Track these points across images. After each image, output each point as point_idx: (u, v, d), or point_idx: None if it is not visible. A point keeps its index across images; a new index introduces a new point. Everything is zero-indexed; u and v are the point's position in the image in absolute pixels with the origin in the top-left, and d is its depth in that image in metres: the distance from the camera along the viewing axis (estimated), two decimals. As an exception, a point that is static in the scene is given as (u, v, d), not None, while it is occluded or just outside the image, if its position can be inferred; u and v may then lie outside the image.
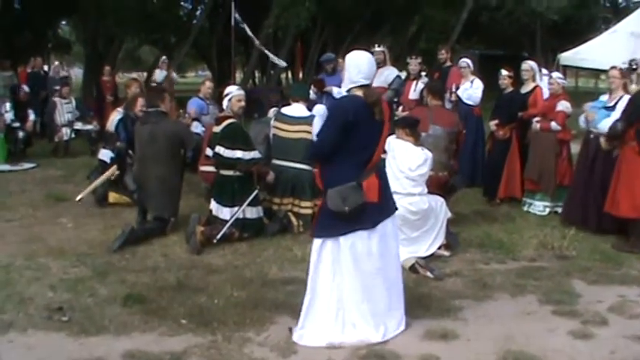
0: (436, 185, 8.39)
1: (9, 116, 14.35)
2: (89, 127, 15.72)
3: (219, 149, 8.54)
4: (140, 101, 10.50)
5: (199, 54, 34.92)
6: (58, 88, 16.48)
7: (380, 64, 12.17)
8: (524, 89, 10.85)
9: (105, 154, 10.66)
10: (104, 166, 10.64)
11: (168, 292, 6.70)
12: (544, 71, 11.31)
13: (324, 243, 5.61)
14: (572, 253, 8.16)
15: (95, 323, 5.92)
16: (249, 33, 18.94)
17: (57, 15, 29.02)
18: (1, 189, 11.79)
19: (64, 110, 15.74)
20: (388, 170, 7.70)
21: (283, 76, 36.77)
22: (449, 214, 8.14)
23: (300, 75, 27.18)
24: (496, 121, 10.83)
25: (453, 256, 8.04)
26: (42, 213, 10.02)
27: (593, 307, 6.39)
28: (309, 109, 9.45)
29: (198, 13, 30.92)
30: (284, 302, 6.32)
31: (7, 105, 14.56)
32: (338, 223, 5.49)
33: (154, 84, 18.59)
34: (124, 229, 8.36)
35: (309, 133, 8.93)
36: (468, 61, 12.36)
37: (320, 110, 9.08)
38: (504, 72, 10.98)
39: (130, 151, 10.18)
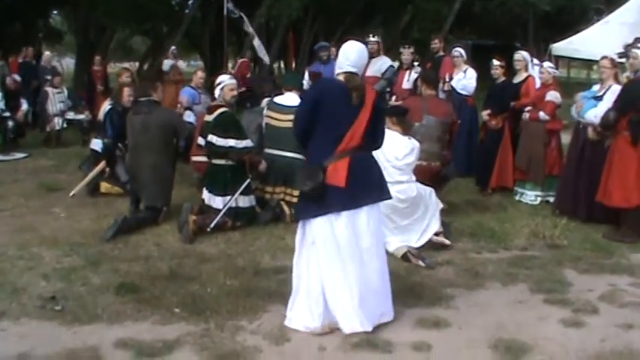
0: (429, 175, 8.42)
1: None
2: (81, 116, 15.67)
3: (212, 138, 8.55)
4: (127, 91, 10.49)
5: (191, 44, 34.79)
6: (49, 77, 16.43)
7: (374, 55, 12.21)
8: (517, 79, 10.88)
9: (97, 144, 10.64)
10: (96, 155, 10.63)
11: (161, 281, 6.71)
12: (535, 61, 11.32)
13: (301, 225, 5.70)
14: (563, 243, 8.19)
15: (88, 312, 5.94)
16: (246, 20, 18.93)
17: (48, 5, 28.89)
18: (-7, 179, 11.77)
19: (55, 100, 15.68)
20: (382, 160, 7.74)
21: (276, 65, 36.71)
22: (440, 205, 8.15)
23: (293, 65, 27.14)
24: (488, 111, 10.85)
25: (445, 245, 8.05)
26: (34, 203, 10.00)
27: (584, 296, 6.43)
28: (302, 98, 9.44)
29: (190, 2, 30.83)
30: (276, 291, 6.33)
31: (-2, 95, 14.53)
32: (309, 206, 5.56)
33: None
34: (116, 218, 8.36)
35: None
36: (461, 50, 12.34)
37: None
38: (496, 62, 11.01)
39: (120, 144, 10.17)
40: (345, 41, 5.86)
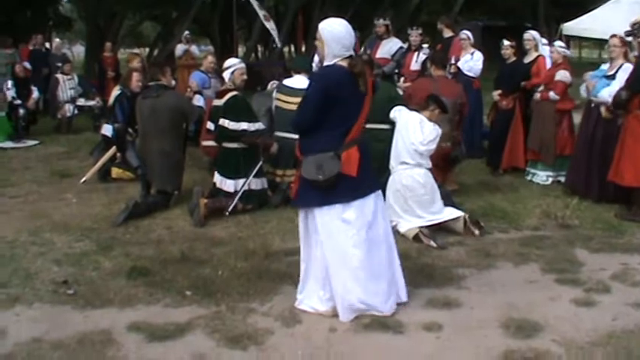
0: (440, 156, 8.44)
1: (10, 93, 14.34)
2: (92, 103, 15.69)
3: (224, 122, 8.56)
4: (135, 76, 10.49)
5: (201, 29, 34.76)
6: (60, 65, 16.47)
7: (382, 37, 12.19)
8: (527, 59, 10.85)
9: (108, 130, 10.63)
10: (107, 141, 10.64)
11: (172, 264, 6.74)
12: (544, 41, 11.25)
13: (305, 213, 5.62)
14: (575, 222, 8.16)
15: (100, 296, 5.97)
16: (255, 6, 18.88)
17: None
18: (4, 166, 11.84)
19: (66, 87, 15.73)
20: (398, 141, 7.74)
21: (286, 49, 36.65)
22: (452, 185, 8.15)
23: (303, 48, 27.07)
24: (499, 91, 10.83)
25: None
26: (46, 189, 10.06)
27: (595, 276, 6.41)
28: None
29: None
30: (287, 273, 6.33)
31: (9, 83, 14.57)
32: (314, 194, 5.43)
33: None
34: (127, 203, 8.40)
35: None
36: (468, 33, 12.35)
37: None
38: (506, 42, 10.98)
39: (130, 129, 10.19)
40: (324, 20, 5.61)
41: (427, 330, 5.31)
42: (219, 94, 8.93)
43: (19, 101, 14.41)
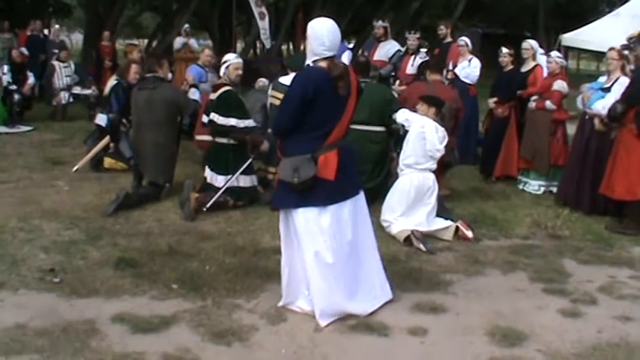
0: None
1: (6, 78, 14.31)
2: (87, 91, 15.66)
3: (214, 116, 8.55)
4: (134, 68, 10.47)
5: (200, 23, 34.71)
6: (57, 51, 16.44)
7: (381, 39, 12.21)
8: (525, 68, 10.84)
9: (102, 119, 10.62)
10: (101, 131, 10.63)
11: (160, 257, 6.74)
12: (541, 51, 11.26)
13: (285, 215, 5.60)
14: (565, 233, 8.18)
15: (86, 285, 5.96)
16: (252, 3, 18.84)
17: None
18: (-3, 151, 11.79)
19: (62, 74, 15.71)
20: (417, 148, 7.76)
21: (284, 47, 36.64)
22: (436, 194, 8.17)
23: (302, 46, 27.06)
24: (495, 99, 10.83)
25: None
26: (38, 176, 10.04)
27: (583, 287, 6.42)
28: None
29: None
30: (275, 270, 6.28)
31: (5, 67, 14.56)
32: (291, 195, 5.41)
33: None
34: (118, 193, 8.38)
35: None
36: (467, 40, 12.36)
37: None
38: (504, 50, 10.99)
39: (124, 120, 10.17)
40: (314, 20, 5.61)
41: (412, 334, 5.31)
42: (214, 88, 8.92)
43: (14, 86, 14.39)
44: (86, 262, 6.54)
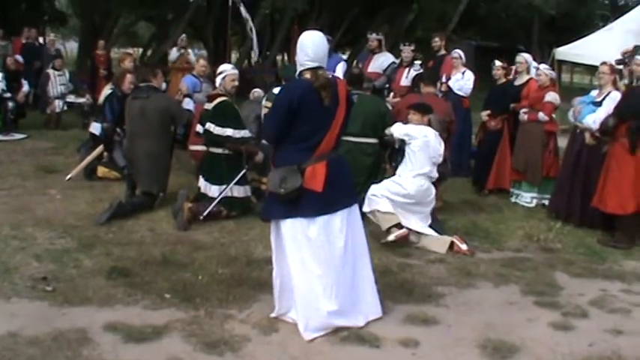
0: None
1: (0, 86, 14.29)
2: (82, 100, 15.70)
3: (210, 126, 8.57)
4: (129, 77, 10.47)
5: (195, 32, 34.73)
6: (52, 58, 16.47)
7: (375, 51, 12.24)
8: (518, 81, 10.87)
9: (96, 128, 10.64)
10: (95, 139, 10.63)
11: (153, 266, 6.73)
12: (534, 63, 11.31)
13: (276, 225, 5.61)
14: (557, 246, 8.21)
15: (79, 294, 5.96)
16: (245, 14, 18.81)
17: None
18: (-10, 158, 11.77)
19: (57, 82, 15.72)
20: (424, 158, 7.82)
21: (279, 57, 36.69)
22: (435, 203, 8.22)
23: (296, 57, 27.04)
24: (488, 112, 10.86)
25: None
26: (31, 183, 10.03)
27: (574, 300, 6.44)
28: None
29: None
30: (268, 281, 6.26)
31: (0, 75, 14.51)
32: (279, 206, 5.44)
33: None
34: (111, 202, 8.39)
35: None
36: (460, 52, 12.39)
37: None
38: (498, 63, 11.03)
39: (118, 129, 10.18)
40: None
41: (404, 345, 5.32)
42: (210, 98, 8.94)
43: (8, 94, 14.37)
44: (79, 271, 6.54)
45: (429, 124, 8.09)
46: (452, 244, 7.78)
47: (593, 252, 8.06)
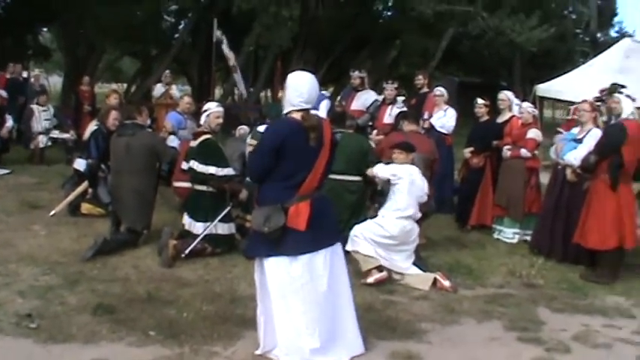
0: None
1: (-17, 122, 14.30)
2: (66, 135, 15.68)
3: (194, 164, 8.61)
4: (113, 114, 10.49)
5: (179, 68, 34.86)
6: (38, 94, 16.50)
7: (358, 88, 12.32)
8: (501, 119, 10.96)
9: (80, 164, 10.64)
10: (79, 175, 10.64)
11: (138, 303, 6.73)
12: (516, 101, 11.42)
13: (259, 263, 5.66)
14: (539, 282, 8.26)
15: (63, 331, 5.95)
16: (227, 53, 18.90)
17: (38, 21, 28.87)
18: (-26, 194, 11.74)
19: (41, 118, 15.71)
20: (408, 197, 7.92)
21: (262, 94, 36.80)
22: (418, 240, 8.27)
23: (280, 94, 27.15)
24: (471, 149, 10.94)
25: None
26: (14, 219, 10.01)
27: (557, 336, 6.49)
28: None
29: (181, 27, 30.92)
30: (252, 318, 6.28)
31: (-17, 110, 14.53)
32: (263, 244, 5.50)
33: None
34: (96, 239, 8.38)
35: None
36: (443, 90, 12.42)
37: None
38: (480, 100, 11.11)
39: (103, 165, 10.20)
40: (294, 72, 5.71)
41: (388, 382, 5.35)
42: (195, 136, 8.99)
43: (-8, 130, 14.35)
44: (63, 308, 6.53)
45: (413, 163, 8.17)
46: (435, 280, 7.82)
47: (576, 287, 8.11)
